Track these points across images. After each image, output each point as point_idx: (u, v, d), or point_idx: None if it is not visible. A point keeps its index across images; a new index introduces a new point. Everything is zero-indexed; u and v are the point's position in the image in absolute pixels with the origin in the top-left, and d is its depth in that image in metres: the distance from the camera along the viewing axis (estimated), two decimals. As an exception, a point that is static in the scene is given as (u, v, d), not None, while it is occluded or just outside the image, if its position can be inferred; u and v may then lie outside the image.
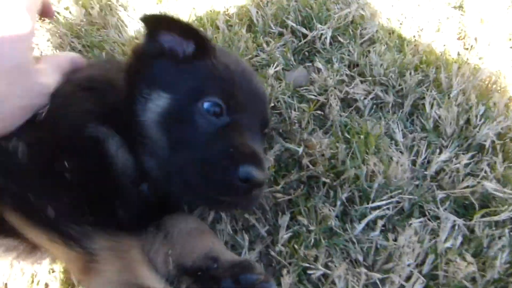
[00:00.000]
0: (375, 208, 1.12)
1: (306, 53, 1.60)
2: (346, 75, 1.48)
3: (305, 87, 1.44)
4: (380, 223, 1.09)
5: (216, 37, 1.60)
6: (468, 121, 1.36)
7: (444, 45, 1.65)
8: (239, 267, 0.86)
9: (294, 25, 1.65)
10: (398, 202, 1.15)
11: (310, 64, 1.54)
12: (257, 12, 1.72)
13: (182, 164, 0.86)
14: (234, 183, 0.82)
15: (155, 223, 0.97)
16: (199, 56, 0.96)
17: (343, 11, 1.70)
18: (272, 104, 1.34)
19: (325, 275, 0.99)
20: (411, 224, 1.09)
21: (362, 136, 1.25)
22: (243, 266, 0.86)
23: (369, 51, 1.57)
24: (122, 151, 0.90)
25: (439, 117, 1.37)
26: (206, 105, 0.91)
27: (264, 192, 1.01)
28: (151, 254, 0.93)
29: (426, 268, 1.01)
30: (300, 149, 1.21)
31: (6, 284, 0.92)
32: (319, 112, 1.36)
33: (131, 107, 0.92)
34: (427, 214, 1.13)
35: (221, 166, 0.83)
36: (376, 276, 0.98)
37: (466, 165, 1.23)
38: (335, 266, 1.00)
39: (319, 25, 1.64)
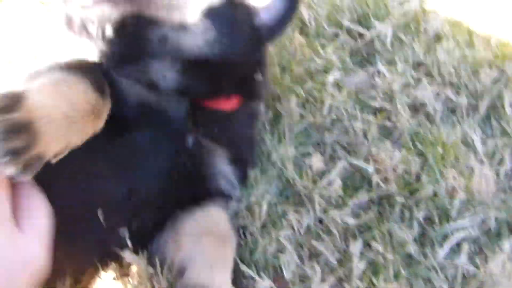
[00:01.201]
0: (458, 229, 1.00)
1: (365, 55, 1.47)
2: (412, 77, 1.35)
3: (366, 94, 1.32)
4: (465, 246, 0.97)
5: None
6: (557, 123, 1.21)
7: (521, 36, 1.49)
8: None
9: (349, 24, 1.53)
10: (483, 221, 1.02)
11: (371, 66, 1.42)
12: (309, 13, 1.61)
13: None
14: None
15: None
16: None
17: (403, 6, 1.56)
18: (334, 116, 1.22)
19: (408, 311, 0.88)
20: (502, 247, 0.96)
21: (437, 147, 1.12)
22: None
23: (435, 49, 1.43)
24: None
25: (522, 119, 1.22)
26: None
27: None
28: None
29: (526, 302, 0.88)
30: (369, 166, 1.09)
31: None
32: (385, 120, 1.24)
33: None
34: (518, 233, 1.00)
35: None
36: (468, 310, 0.87)
37: (561, 174, 1.08)
38: (418, 299, 0.89)
39: (377, 23, 1.51)
